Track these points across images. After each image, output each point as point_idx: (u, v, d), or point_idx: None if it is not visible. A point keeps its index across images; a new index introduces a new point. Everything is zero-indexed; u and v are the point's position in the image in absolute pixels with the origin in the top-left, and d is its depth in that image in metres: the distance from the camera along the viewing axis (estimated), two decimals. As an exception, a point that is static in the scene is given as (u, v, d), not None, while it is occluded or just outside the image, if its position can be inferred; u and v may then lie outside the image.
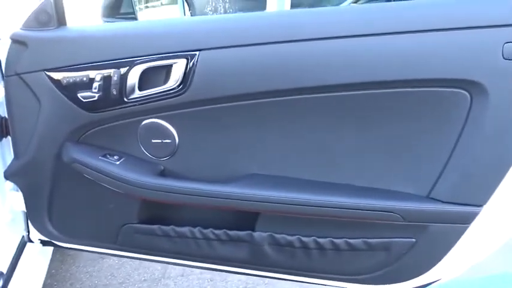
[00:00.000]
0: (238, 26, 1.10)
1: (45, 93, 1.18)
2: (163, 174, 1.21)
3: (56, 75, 1.16)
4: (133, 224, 1.25)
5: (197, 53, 1.07)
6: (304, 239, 1.12)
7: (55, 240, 1.37)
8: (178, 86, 1.10)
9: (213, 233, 1.18)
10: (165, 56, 1.10)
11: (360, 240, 1.10)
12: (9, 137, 1.42)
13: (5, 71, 1.24)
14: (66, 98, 1.17)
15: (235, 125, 1.13)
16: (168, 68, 1.11)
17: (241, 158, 1.16)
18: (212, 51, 1.07)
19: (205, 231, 1.19)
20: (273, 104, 1.09)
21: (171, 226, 1.21)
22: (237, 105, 1.10)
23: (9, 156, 1.40)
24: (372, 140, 1.08)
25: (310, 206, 1.07)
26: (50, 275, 1.99)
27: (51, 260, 1.85)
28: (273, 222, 1.16)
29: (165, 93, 1.11)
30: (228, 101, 1.10)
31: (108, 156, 1.21)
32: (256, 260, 1.19)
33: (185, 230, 1.20)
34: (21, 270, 1.36)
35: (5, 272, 1.26)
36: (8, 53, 1.23)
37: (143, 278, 1.97)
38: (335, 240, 1.11)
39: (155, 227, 1.22)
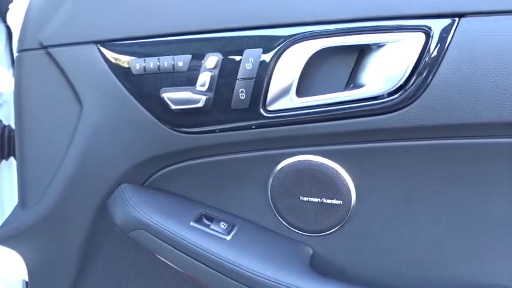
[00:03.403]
0: None
1: (95, 86, 0.59)
2: (317, 266, 0.60)
3: (120, 53, 0.57)
4: None
5: (453, 21, 0.48)
6: None
7: None
8: (396, 91, 0.50)
9: None
10: (371, 27, 0.50)
11: None
12: (12, 161, 0.83)
13: (20, 41, 0.64)
14: (135, 100, 0.57)
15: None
16: (369, 51, 0.52)
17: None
18: (496, 18, 0.48)
19: None
20: None
21: None
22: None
23: (10, 198, 0.80)
24: None
25: None
26: None
27: None
28: None
29: (355, 105, 0.52)
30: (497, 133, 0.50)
31: (207, 220, 0.61)
32: None
33: None
34: None
35: None
36: (29, 7, 0.64)
37: None
38: None
39: None
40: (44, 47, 0.61)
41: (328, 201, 0.58)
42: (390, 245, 0.59)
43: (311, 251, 0.61)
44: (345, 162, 0.57)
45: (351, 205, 0.58)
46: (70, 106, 0.61)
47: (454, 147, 0.53)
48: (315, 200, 0.59)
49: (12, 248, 0.71)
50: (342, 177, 0.57)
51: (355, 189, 0.58)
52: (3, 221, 0.70)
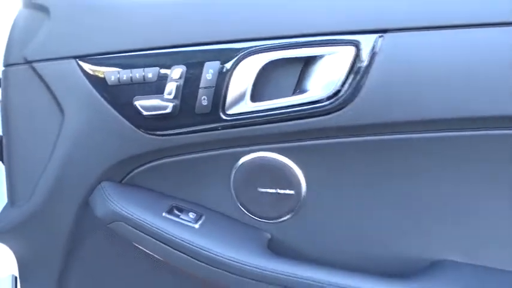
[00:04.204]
0: None
1: (75, 96, 0.67)
2: (274, 249, 0.69)
3: (96, 67, 0.65)
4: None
5: (378, 36, 0.57)
6: None
7: None
8: (333, 95, 0.59)
9: None
10: (311, 42, 0.59)
11: None
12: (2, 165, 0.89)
13: (6, 56, 0.72)
14: (111, 108, 0.66)
15: (424, 173, 0.63)
16: (312, 62, 0.61)
17: (430, 230, 0.65)
18: (412, 33, 0.57)
19: None
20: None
21: None
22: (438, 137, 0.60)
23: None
24: None
25: None
26: None
27: None
28: None
29: (300, 108, 0.61)
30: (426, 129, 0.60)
31: (177, 211, 0.69)
32: None
33: None
34: None
35: None
36: (14, 26, 0.71)
37: None
38: None
39: None
40: (28, 62, 0.69)
41: (282, 191, 0.67)
42: (337, 227, 0.68)
43: (269, 236, 0.70)
44: (295, 157, 0.66)
45: (301, 194, 0.67)
46: (53, 115, 0.69)
47: (387, 142, 0.62)
48: (271, 190, 0.68)
49: (4, 242, 0.78)
50: (293, 170, 0.66)
51: (305, 180, 0.67)
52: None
